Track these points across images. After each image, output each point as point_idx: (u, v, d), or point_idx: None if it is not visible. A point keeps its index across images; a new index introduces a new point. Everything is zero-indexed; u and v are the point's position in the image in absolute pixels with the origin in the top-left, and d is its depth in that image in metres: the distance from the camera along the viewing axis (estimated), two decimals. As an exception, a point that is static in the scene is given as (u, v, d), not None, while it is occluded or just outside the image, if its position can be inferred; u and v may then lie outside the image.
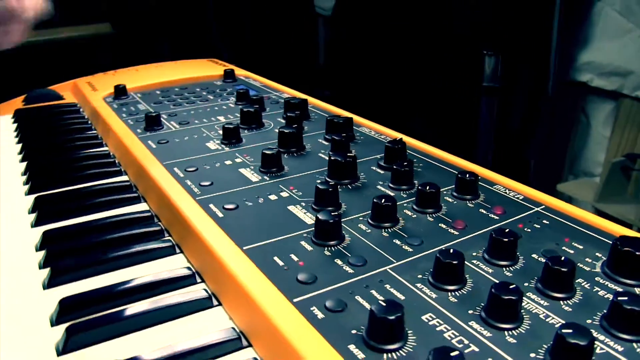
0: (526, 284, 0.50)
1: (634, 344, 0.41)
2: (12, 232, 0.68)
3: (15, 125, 1.07)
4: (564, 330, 0.38)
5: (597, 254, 0.55)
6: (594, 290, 0.49)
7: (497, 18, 1.34)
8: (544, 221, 0.61)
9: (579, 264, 0.53)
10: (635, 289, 0.49)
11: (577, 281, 0.50)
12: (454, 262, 0.49)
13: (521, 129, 1.47)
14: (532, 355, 0.41)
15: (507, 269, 0.52)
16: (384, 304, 0.42)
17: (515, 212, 0.63)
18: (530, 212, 0.63)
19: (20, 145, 0.98)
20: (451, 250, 0.50)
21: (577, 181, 1.68)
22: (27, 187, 0.81)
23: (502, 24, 1.34)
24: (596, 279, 0.50)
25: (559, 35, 1.33)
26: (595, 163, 1.54)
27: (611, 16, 1.41)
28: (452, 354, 0.38)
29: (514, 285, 0.45)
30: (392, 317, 0.41)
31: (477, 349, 0.41)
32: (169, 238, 0.65)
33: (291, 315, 0.46)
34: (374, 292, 0.49)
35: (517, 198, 0.67)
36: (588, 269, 0.52)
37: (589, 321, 0.45)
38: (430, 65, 1.61)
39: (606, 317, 0.44)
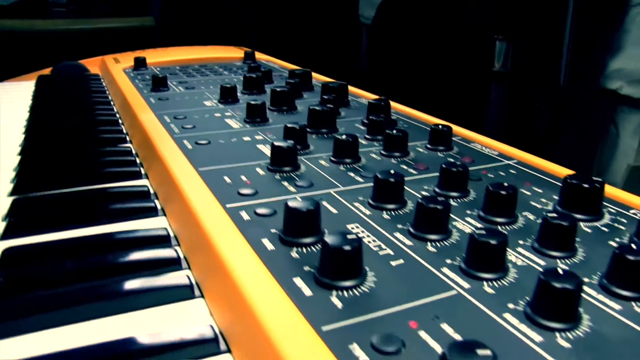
0: (469, 211, 0.49)
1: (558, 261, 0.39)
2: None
3: (34, 89, 1.13)
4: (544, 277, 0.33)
5: (554, 196, 0.53)
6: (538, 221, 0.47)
7: (509, 3, 1.32)
8: (511, 171, 0.60)
9: (531, 202, 0.51)
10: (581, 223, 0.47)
11: (524, 214, 0.49)
12: (391, 180, 0.48)
13: (532, 119, 1.42)
14: (449, 261, 0.40)
15: (457, 200, 0.51)
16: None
17: (483, 162, 0.62)
18: (500, 163, 0.62)
19: (28, 115, 0.96)
20: (392, 171, 0.50)
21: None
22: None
23: (515, 8, 1.32)
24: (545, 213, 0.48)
25: (575, 26, 1.29)
26: (620, 175, 1.48)
27: (644, 22, 1.37)
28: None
29: (442, 199, 0.44)
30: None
31: (402, 261, 0.40)
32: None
33: (218, 216, 0.46)
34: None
35: (492, 154, 0.65)
36: (540, 206, 0.51)
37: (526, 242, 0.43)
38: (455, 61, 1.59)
39: (537, 239, 0.42)
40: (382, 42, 2.12)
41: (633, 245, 0.37)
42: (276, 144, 0.57)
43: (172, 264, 0.45)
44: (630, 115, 1.44)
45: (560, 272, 0.34)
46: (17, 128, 0.86)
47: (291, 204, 0.42)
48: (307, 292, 0.36)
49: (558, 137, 1.48)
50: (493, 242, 0.38)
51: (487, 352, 0.26)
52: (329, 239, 0.37)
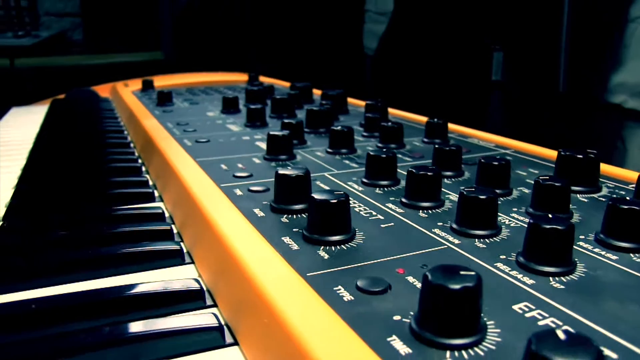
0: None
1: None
2: None
3: (47, 109, 1.16)
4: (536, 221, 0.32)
5: (550, 174, 0.52)
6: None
7: (504, 12, 1.33)
8: (507, 157, 0.59)
9: (527, 180, 0.51)
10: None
11: (519, 188, 0.48)
12: (383, 157, 0.48)
13: (534, 131, 1.40)
14: (439, 225, 0.39)
15: (451, 179, 0.51)
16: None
17: (480, 152, 0.62)
18: (496, 152, 0.62)
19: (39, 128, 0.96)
20: (384, 149, 0.50)
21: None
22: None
23: (509, 18, 1.32)
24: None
25: (571, 32, 1.29)
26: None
27: (645, 36, 1.38)
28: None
29: (432, 167, 0.44)
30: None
31: (393, 224, 0.40)
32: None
33: (212, 192, 0.47)
34: (301, 182, 0.49)
35: (488, 145, 0.65)
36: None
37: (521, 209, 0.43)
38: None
39: (532, 204, 0.42)
40: (385, 72, 2.15)
41: (627, 198, 0.37)
42: (272, 133, 0.58)
43: (166, 237, 0.45)
44: (636, 129, 1.44)
45: (550, 216, 0.33)
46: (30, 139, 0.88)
47: (281, 171, 0.42)
48: (295, 247, 0.36)
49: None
50: (482, 197, 0.37)
51: (472, 272, 0.26)
52: (316, 194, 0.36)
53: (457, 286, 0.25)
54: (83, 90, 1.30)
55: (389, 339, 0.26)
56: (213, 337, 0.31)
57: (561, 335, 0.21)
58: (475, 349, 0.25)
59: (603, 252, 0.36)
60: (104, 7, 2.30)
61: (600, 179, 0.50)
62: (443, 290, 0.25)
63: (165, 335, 0.30)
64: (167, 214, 0.52)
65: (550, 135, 1.38)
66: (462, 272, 0.26)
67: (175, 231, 0.47)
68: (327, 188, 0.48)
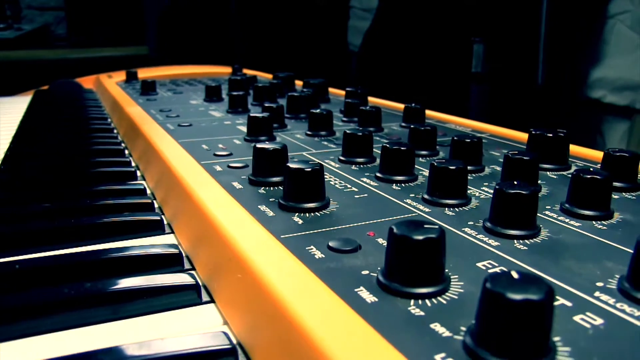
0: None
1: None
2: None
3: (30, 100, 1.15)
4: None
5: (522, 154, 0.54)
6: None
7: (485, 5, 1.35)
8: (483, 141, 0.61)
9: (500, 160, 0.52)
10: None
11: (492, 166, 0.50)
12: (359, 134, 0.49)
13: (514, 122, 1.43)
14: (411, 198, 0.41)
15: (426, 158, 0.52)
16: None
17: (455, 134, 0.63)
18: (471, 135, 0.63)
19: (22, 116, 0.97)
20: (360, 128, 0.51)
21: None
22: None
23: (490, 10, 1.35)
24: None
25: (550, 27, 1.32)
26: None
27: (622, 32, 1.40)
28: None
29: (406, 143, 0.45)
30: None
31: (366, 195, 0.41)
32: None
33: (193, 168, 0.48)
34: (280, 159, 0.50)
35: (465, 130, 0.67)
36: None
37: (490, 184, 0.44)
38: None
39: (501, 177, 0.43)
40: (369, 68, 2.17)
41: (591, 169, 0.39)
42: (252, 114, 0.59)
43: (147, 209, 0.46)
44: (615, 124, 1.47)
45: (515, 182, 0.35)
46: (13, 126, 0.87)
47: (259, 145, 0.43)
48: (271, 214, 0.37)
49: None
50: (452, 167, 0.39)
51: (435, 225, 0.27)
52: (291, 164, 0.38)
53: (420, 237, 0.26)
54: (66, 81, 1.30)
55: (356, 290, 0.27)
56: (190, 295, 0.32)
57: (515, 275, 0.23)
58: (439, 298, 0.26)
59: (567, 220, 0.37)
60: (88, 1, 2.30)
61: (571, 159, 0.52)
62: (407, 241, 0.26)
63: (143, 293, 0.31)
64: (148, 192, 0.53)
65: (529, 128, 1.41)
66: (426, 225, 0.27)
67: (156, 206, 0.48)
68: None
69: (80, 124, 0.81)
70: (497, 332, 0.21)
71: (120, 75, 1.30)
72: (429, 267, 0.26)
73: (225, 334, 0.28)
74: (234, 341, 0.28)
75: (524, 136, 0.61)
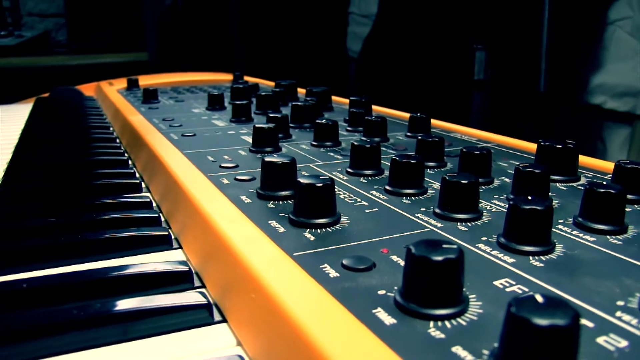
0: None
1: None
2: None
3: (32, 107, 1.15)
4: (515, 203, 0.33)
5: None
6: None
7: (486, 12, 1.35)
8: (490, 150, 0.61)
9: (509, 170, 0.52)
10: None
11: (500, 178, 0.49)
12: (367, 146, 0.49)
13: (516, 129, 1.43)
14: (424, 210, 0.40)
15: (434, 169, 0.52)
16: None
17: (463, 144, 0.63)
18: (478, 145, 0.63)
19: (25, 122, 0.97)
20: (368, 140, 0.50)
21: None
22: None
23: (491, 17, 1.34)
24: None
25: (551, 34, 1.32)
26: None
27: (622, 38, 1.41)
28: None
29: (415, 155, 0.45)
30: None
31: (377, 209, 0.41)
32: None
33: (200, 181, 0.47)
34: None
35: (471, 139, 0.67)
36: (516, 173, 0.51)
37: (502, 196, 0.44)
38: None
39: (512, 191, 0.43)
40: (369, 74, 2.17)
41: (604, 182, 0.38)
42: (258, 125, 0.58)
43: (154, 223, 0.45)
44: (616, 130, 1.47)
45: (530, 198, 0.34)
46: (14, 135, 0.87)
47: (267, 158, 0.43)
48: (281, 230, 0.36)
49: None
50: (464, 181, 0.38)
51: (454, 245, 0.27)
52: (302, 178, 0.37)
53: (439, 257, 0.26)
54: (67, 88, 1.30)
55: (374, 311, 0.27)
56: (201, 315, 0.31)
57: (539, 299, 0.22)
58: (458, 319, 0.26)
59: (581, 234, 0.37)
60: (88, 8, 2.29)
61: (580, 170, 0.52)
62: (426, 262, 0.26)
63: (153, 313, 0.30)
64: (154, 204, 0.52)
65: (532, 135, 1.41)
66: (444, 246, 0.27)
67: (162, 219, 0.48)
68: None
69: (82, 134, 0.80)
70: (522, 358, 0.21)
71: (121, 83, 1.29)
72: (449, 288, 0.26)
73: (240, 356, 0.27)
74: (248, 363, 0.28)
75: (530, 146, 0.61)
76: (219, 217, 0.38)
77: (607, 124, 1.50)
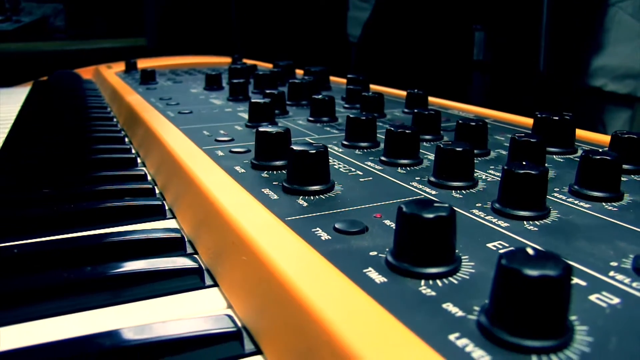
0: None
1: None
2: None
3: (30, 89, 1.14)
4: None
5: (528, 139, 0.53)
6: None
7: None
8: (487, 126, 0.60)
9: (505, 144, 0.52)
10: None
11: (497, 150, 0.49)
12: (362, 119, 0.49)
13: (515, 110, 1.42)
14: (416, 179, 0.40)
15: (430, 142, 0.52)
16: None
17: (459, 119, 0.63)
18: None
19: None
20: (364, 112, 0.50)
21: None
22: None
23: None
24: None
25: (552, 15, 1.30)
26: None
27: (624, 20, 1.39)
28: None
29: (410, 126, 0.44)
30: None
31: (371, 178, 0.40)
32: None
33: (194, 153, 0.47)
34: (282, 144, 0.49)
35: (468, 115, 0.66)
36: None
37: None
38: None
39: (508, 160, 0.43)
40: (369, 59, 2.16)
41: (599, 150, 0.38)
42: (254, 100, 0.58)
43: (148, 194, 0.45)
44: (617, 112, 1.46)
45: (524, 163, 0.34)
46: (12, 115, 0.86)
47: (262, 128, 0.42)
48: (274, 197, 0.36)
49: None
50: (459, 149, 0.38)
51: (445, 204, 0.26)
52: (295, 146, 0.37)
53: (430, 215, 0.25)
54: (65, 72, 1.29)
55: (365, 271, 0.26)
56: (193, 279, 0.31)
57: (530, 252, 0.22)
58: (450, 278, 0.26)
59: (576, 201, 0.36)
60: (85, -7, 2.28)
61: (577, 143, 0.51)
62: (417, 219, 0.25)
63: (144, 277, 0.30)
64: (149, 178, 0.52)
65: (531, 116, 1.40)
66: (435, 204, 0.26)
67: (157, 192, 0.47)
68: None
69: (79, 113, 0.80)
70: (513, 310, 0.21)
71: (120, 66, 1.28)
72: (440, 246, 0.26)
73: (230, 317, 0.27)
74: (239, 324, 0.27)
75: (528, 121, 0.61)
76: (213, 186, 0.37)
77: (608, 107, 1.48)
